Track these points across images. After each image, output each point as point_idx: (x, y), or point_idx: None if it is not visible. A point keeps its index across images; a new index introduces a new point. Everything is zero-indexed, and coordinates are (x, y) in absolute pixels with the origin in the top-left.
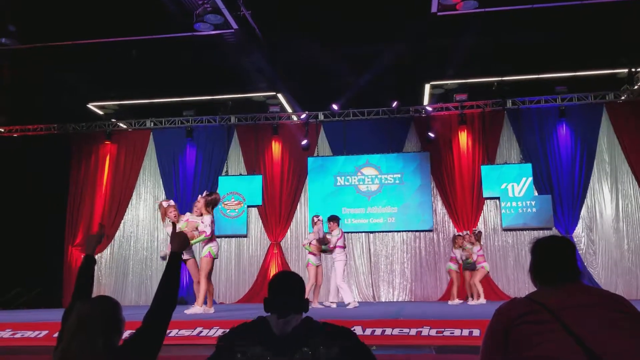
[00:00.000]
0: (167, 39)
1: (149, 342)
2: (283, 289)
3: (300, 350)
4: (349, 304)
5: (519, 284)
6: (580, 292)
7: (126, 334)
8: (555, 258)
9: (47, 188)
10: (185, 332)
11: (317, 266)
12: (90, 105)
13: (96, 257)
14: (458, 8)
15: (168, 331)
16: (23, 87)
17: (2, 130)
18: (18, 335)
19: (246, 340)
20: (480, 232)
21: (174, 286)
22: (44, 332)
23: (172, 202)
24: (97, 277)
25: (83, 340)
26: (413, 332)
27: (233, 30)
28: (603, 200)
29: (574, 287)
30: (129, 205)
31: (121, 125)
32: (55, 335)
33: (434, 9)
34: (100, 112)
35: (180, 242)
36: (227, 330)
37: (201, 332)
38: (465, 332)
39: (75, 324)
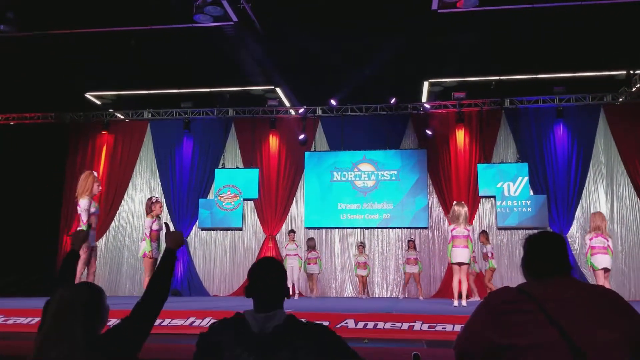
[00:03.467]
0: (166, 29)
1: (134, 332)
2: (263, 275)
3: (279, 353)
4: None
5: (512, 283)
6: (568, 286)
7: (114, 322)
8: (546, 251)
9: (44, 177)
10: (177, 322)
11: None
12: (88, 95)
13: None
14: (458, 5)
15: (160, 320)
16: (21, 75)
17: None
18: (10, 322)
19: (225, 340)
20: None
21: (166, 280)
22: (37, 319)
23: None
24: None
25: (63, 327)
26: (405, 326)
27: (232, 23)
28: (598, 202)
29: (563, 281)
30: (125, 196)
31: (119, 115)
32: None
33: (434, 6)
34: (98, 102)
35: (175, 239)
36: (214, 322)
37: (194, 322)
38: (457, 327)
39: (56, 311)
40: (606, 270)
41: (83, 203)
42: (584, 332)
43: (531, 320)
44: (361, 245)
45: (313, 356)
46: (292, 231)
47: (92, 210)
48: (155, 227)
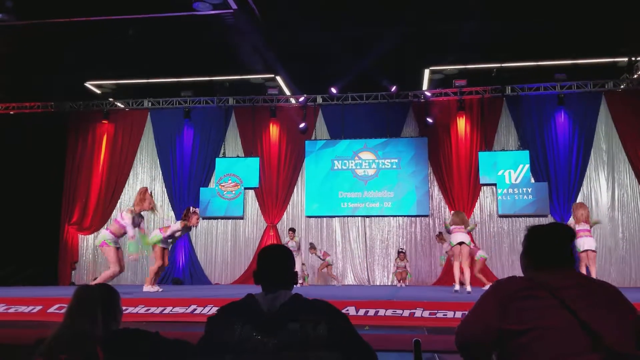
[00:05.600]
0: (165, 18)
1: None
2: (271, 261)
3: (288, 328)
4: None
5: (514, 270)
6: (571, 276)
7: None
8: (553, 243)
9: (44, 166)
10: (179, 310)
11: None
12: (88, 84)
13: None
14: None
15: (162, 308)
16: (20, 64)
17: None
18: (12, 310)
19: (235, 319)
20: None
21: None
22: (38, 307)
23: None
24: (94, 256)
25: (80, 322)
26: (406, 313)
27: (232, 11)
28: (599, 189)
29: (565, 271)
30: (126, 185)
31: (119, 104)
32: (49, 310)
33: None
34: (98, 91)
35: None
36: (218, 308)
37: (195, 309)
38: (458, 314)
39: (74, 306)
40: (591, 251)
41: (126, 217)
42: (596, 317)
43: (545, 306)
44: (402, 252)
45: (320, 330)
46: (292, 229)
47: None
48: (177, 234)
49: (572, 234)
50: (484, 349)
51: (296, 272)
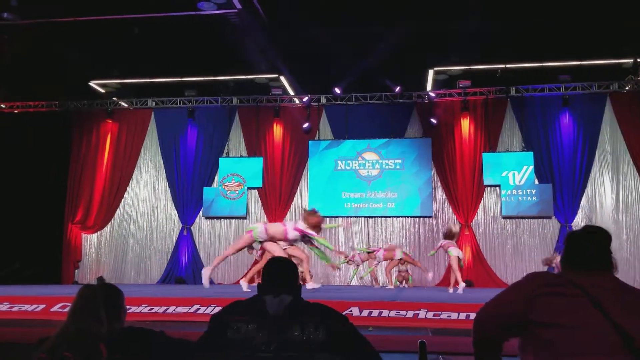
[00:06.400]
0: (170, 17)
1: (154, 344)
2: (276, 277)
3: (291, 329)
4: None
5: (516, 271)
6: (607, 279)
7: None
8: (591, 246)
9: (48, 165)
10: (182, 309)
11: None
12: (92, 83)
13: (96, 234)
14: None
15: (165, 308)
16: (24, 63)
17: (3, 106)
18: (15, 309)
19: (240, 318)
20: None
21: None
22: (42, 306)
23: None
24: (97, 255)
25: (84, 320)
26: (410, 314)
27: (236, 10)
28: (603, 191)
29: (605, 275)
30: (130, 184)
31: (122, 104)
32: (53, 309)
33: None
34: (102, 90)
35: None
36: (224, 307)
37: (198, 309)
38: (463, 315)
39: (78, 304)
40: None
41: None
42: (629, 319)
43: (576, 303)
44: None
45: (321, 333)
46: None
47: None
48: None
49: (610, 238)
50: (498, 336)
51: (300, 284)
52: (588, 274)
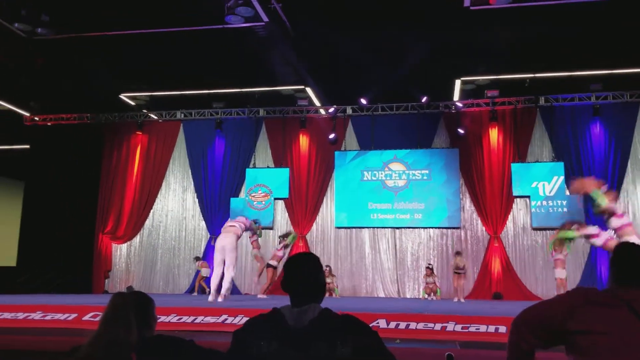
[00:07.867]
0: (198, 31)
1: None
2: (297, 269)
3: (317, 345)
4: None
5: (547, 284)
6: None
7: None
8: (636, 261)
9: (80, 176)
10: (210, 320)
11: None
12: (122, 96)
13: (126, 244)
14: (491, 2)
15: (193, 318)
16: (57, 77)
17: (37, 119)
18: (48, 318)
19: (261, 334)
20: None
21: None
22: (74, 315)
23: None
24: (127, 265)
25: (115, 329)
26: (438, 327)
27: (263, 23)
28: (637, 201)
29: None
30: (159, 195)
31: (152, 116)
32: (84, 318)
33: (466, 3)
34: (132, 103)
35: None
36: (250, 318)
37: (226, 319)
38: (492, 328)
39: (109, 313)
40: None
41: None
42: None
43: (617, 316)
44: (429, 268)
45: (349, 348)
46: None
47: None
48: None
49: None
50: (530, 341)
51: (325, 282)
52: (635, 288)
